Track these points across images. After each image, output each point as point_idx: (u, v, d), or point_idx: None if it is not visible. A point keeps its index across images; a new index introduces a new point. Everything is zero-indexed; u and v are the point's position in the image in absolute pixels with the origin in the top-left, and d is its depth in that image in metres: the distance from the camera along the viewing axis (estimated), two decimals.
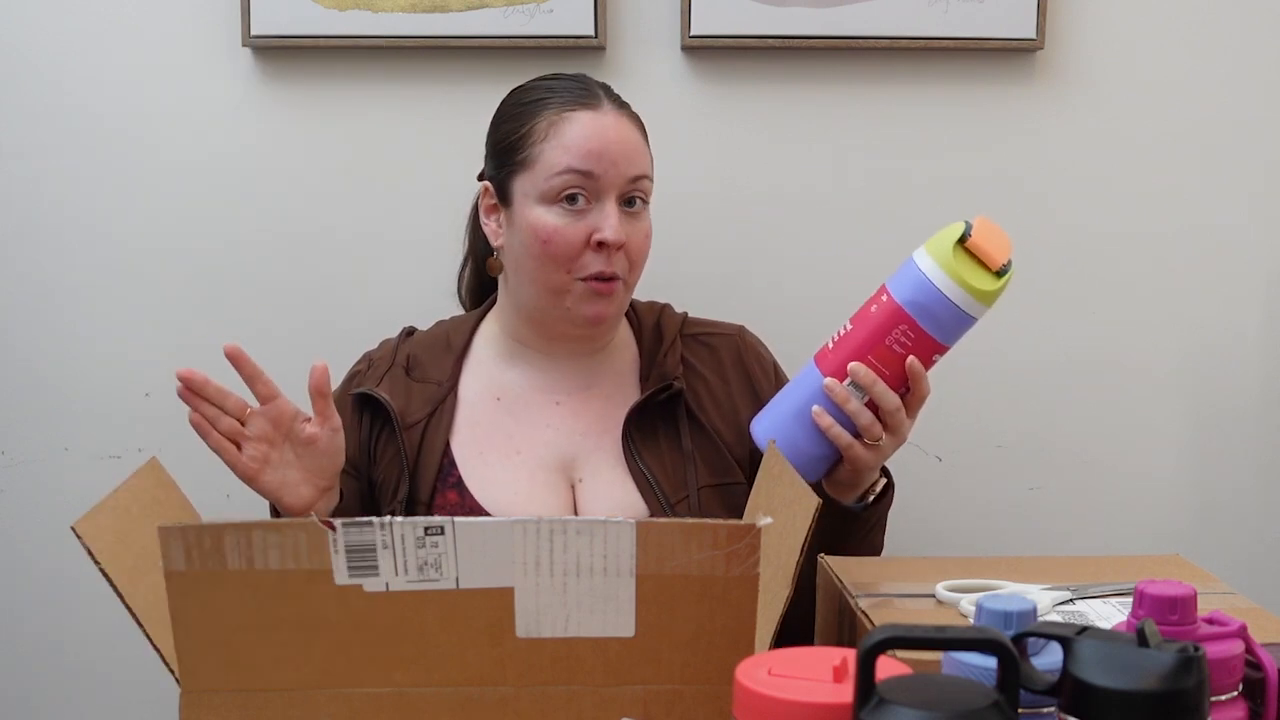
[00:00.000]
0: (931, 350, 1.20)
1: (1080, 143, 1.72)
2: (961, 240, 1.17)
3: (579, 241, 1.32)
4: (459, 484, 1.36)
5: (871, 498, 1.33)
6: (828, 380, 1.21)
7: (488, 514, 1.33)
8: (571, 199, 1.32)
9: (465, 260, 1.55)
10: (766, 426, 1.25)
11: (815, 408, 1.22)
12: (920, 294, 1.17)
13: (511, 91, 1.41)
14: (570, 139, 1.33)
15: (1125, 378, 1.76)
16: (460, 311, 1.55)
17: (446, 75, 1.68)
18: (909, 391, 1.23)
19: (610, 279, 1.33)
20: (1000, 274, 1.18)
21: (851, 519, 1.31)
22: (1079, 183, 1.73)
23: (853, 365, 1.20)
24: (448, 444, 1.38)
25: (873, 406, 1.22)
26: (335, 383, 1.47)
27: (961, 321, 1.19)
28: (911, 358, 1.20)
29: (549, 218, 1.33)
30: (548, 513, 1.35)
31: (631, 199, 1.35)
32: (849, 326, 1.23)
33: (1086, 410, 1.76)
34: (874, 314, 1.20)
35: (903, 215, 1.71)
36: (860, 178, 1.72)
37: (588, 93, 1.36)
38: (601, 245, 1.32)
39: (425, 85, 1.69)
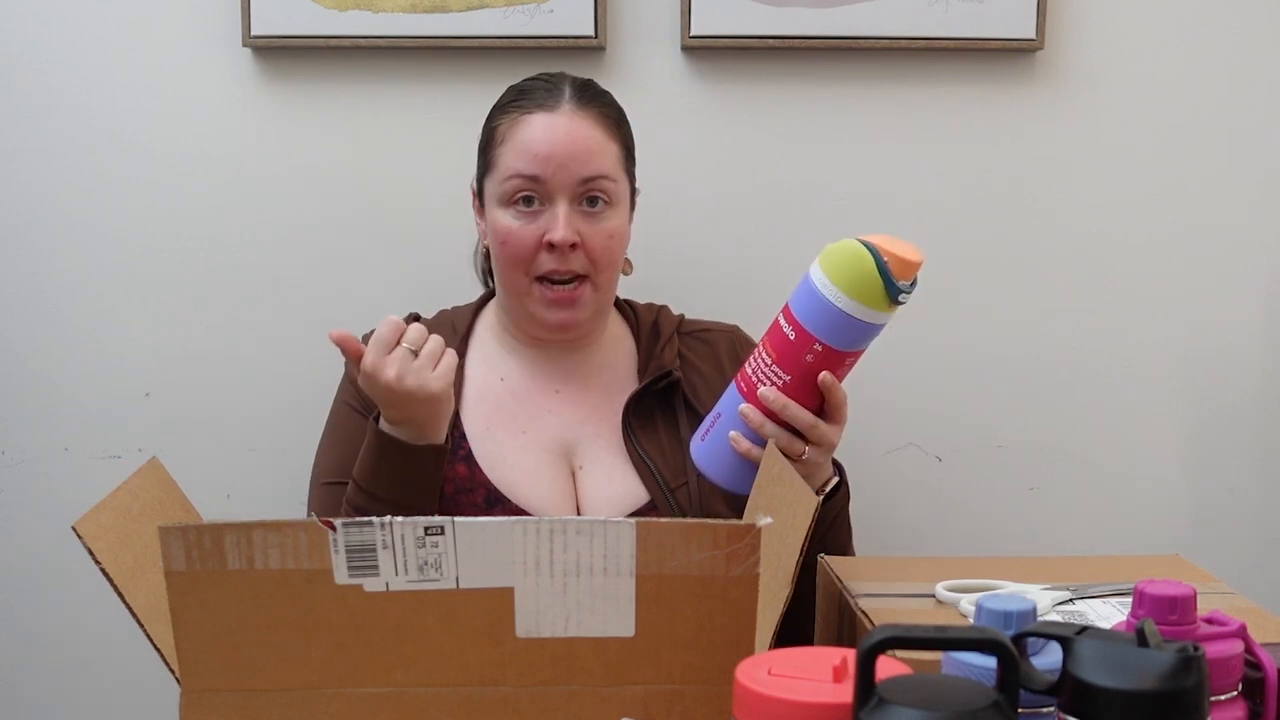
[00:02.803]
0: (844, 359, 1.20)
1: (1080, 143, 1.72)
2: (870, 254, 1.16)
3: (532, 243, 1.35)
4: (469, 457, 1.38)
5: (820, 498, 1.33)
6: (742, 407, 1.22)
7: (496, 490, 1.36)
8: (527, 200, 1.35)
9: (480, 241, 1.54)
10: (700, 453, 1.27)
11: (732, 433, 1.23)
12: (819, 313, 1.17)
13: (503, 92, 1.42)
14: (521, 142, 1.36)
15: (1125, 378, 1.76)
16: (479, 290, 1.54)
17: (446, 75, 1.68)
18: (825, 401, 1.22)
19: (567, 282, 1.35)
20: (896, 282, 1.16)
21: None
22: (1079, 182, 1.73)
23: (761, 391, 1.21)
24: (457, 415, 1.39)
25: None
26: (336, 376, 1.47)
27: (868, 331, 1.18)
28: (824, 373, 1.19)
29: (506, 219, 1.36)
30: (553, 495, 1.37)
31: (593, 198, 1.36)
32: (761, 349, 1.23)
33: (1086, 410, 1.76)
34: (781, 334, 1.20)
35: (902, 216, 1.71)
36: (860, 178, 1.72)
37: (551, 94, 1.37)
38: (553, 246, 1.34)
39: (425, 85, 1.69)
